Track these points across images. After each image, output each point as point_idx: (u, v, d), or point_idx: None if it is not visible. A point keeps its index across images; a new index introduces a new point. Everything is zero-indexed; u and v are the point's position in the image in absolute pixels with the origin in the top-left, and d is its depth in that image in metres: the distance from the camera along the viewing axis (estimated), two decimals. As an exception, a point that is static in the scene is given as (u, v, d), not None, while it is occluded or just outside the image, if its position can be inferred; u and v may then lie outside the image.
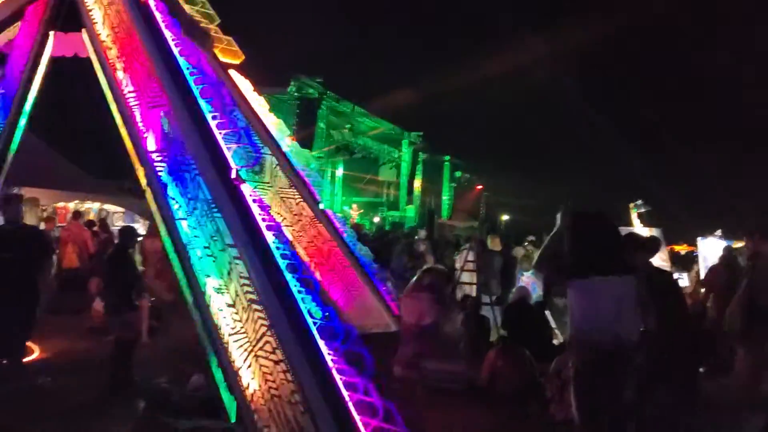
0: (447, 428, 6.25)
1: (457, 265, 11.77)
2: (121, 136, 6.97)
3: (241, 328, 5.30)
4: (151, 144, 6.58)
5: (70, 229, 12.67)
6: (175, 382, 6.57)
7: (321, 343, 4.96)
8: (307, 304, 5.22)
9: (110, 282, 7.46)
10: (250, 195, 5.84)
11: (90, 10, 7.55)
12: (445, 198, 45.79)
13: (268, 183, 9.16)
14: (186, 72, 6.62)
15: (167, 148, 6.37)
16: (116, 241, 8.80)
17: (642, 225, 11.78)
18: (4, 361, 5.99)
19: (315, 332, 5.02)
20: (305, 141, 25.35)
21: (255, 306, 5.19)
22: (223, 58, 8.99)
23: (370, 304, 9.63)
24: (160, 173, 6.40)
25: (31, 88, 8.22)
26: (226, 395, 5.48)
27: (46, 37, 8.10)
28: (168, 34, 6.96)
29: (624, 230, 8.96)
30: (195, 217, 5.92)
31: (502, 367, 7.78)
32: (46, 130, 17.39)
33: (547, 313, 9.68)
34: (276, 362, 4.97)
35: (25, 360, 7.73)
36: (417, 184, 41.13)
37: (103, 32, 7.38)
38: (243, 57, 9.17)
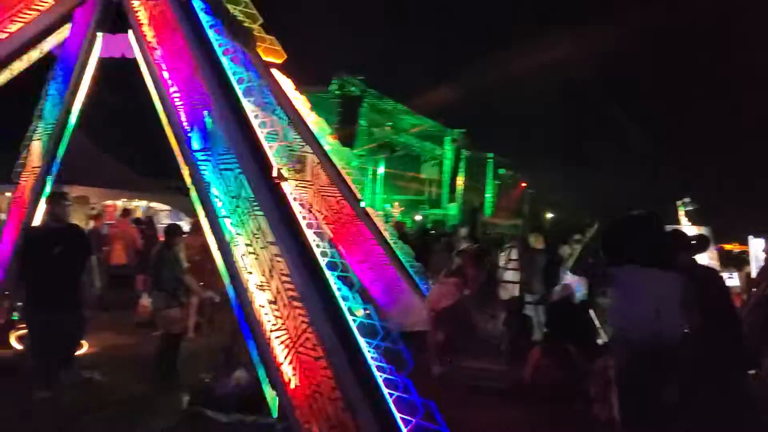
0: (488, 427, 6.22)
1: (501, 264, 11.69)
2: (166, 136, 7.11)
3: (283, 324, 5.35)
4: (195, 143, 6.69)
5: (118, 226, 12.94)
6: (218, 378, 6.66)
7: (361, 341, 4.99)
8: (347, 302, 5.25)
9: (156, 279, 7.59)
10: (291, 193, 5.88)
11: (136, 12, 7.70)
12: (488, 196, 45.41)
13: (309, 181, 9.21)
14: (229, 72, 6.71)
15: (211, 147, 6.47)
16: (162, 238, 8.94)
17: (690, 223, 11.51)
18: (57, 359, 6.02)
19: (355, 329, 5.04)
20: (347, 139, 25.44)
21: (296, 303, 5.25)
22: (266, 58, 9.07)
23: (411, 303, 9.61)
24: (204, 172, 6.50)
25: (80, 88, 8.41)
26: (268, 391, 5.56)
27: (94, 38, 8.28)
28: (211, 34, 7.05)
29: (675, 229, 8.80)
30: (237, 215, 6.01)
31: (546, 365, 7.71)
32: (96, 130, 17.79)
33: (592, 312, 9.55)
34: (316, 359, 5.01)
35: (75, 355, 7.96)
36: (459, 181, 40.85)
37: (149, 33, 7.51)
38: (285, 56, 9.24)
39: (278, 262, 5.47)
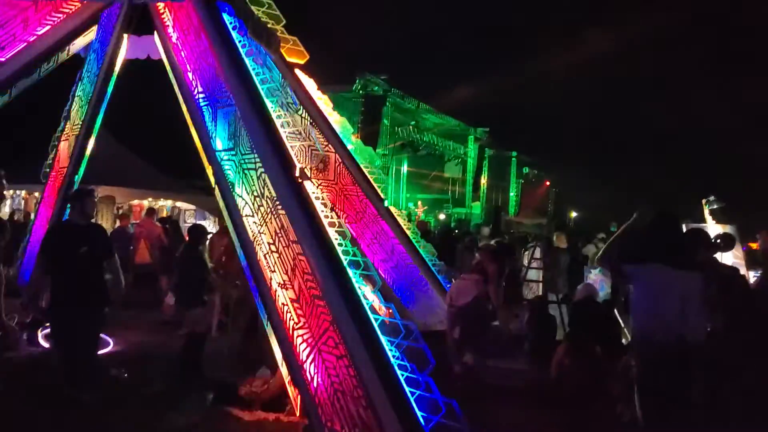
0: (509, 426, 6.20)
1: (524, 263, 11.66)
2: (191, 136, 7.19)
3: (305, 323, 5.39)
4: (219, 143, 6.76)
5: (143, 225, 13.06)
6: (242, 376, 6.73)
7: (383, 339, 5.00)
8: (368, 300, 5.27)
9: (181, 278, 7.67)
10: (314, 192, 5.92)
11: (161, 14, 7.79)
12: (512, 194, 45.23)
13: (332, 180, 9.26)
14: (252, 72, 6.76)
15: (234, 147, 6.53)
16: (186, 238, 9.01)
17: (715, 222, 11.34)
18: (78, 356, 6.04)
19: (377, 328, 5.05)
20: (370, 138, 25.46)
21: (318, 302, 5.28)
22: (289, 58, 9.12)
23: (434, 302, 9.62)
24: (227, 171, 6.57)
25: (107, 89, 8.52)
26: (291, 389, 5.59)
27: (120, 40, 8.38)
28: (235, 36, 7.11)
29: (696, 227, 8.69)
30: (261, 214, 6.06)
31: (570, 365, 7.67)
32: (122, 130, 18.03)
33: (615, 311, 9.48)
34: (339, 357, 5.04)
35: (100, 352, 8.07)
36: (483, 180, 40.73)
37: (174, 35, 7.60)
38: (308, 57, 9.27)
39: (301, 260, 5.51)
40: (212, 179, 6.80)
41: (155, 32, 7.89)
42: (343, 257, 5.51)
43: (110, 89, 8.58)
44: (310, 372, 5.29)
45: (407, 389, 4.76)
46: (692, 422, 4.45)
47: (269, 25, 8.37)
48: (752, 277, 8.84)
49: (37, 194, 10.60)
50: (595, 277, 11.46)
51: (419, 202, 35.44)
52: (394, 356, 4.93)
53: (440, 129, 36.59)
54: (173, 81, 7.53)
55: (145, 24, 8.11)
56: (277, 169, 5.97)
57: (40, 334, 8.07)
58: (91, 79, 8.54)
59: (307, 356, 5.32)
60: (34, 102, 10.59)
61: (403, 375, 4.83)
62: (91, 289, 5.91)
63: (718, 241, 7.52)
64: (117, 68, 8.53)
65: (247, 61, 6.87)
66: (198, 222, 18.46)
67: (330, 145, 9.27)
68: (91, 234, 6.11)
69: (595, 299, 8.59)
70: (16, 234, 9.47)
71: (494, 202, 40.27)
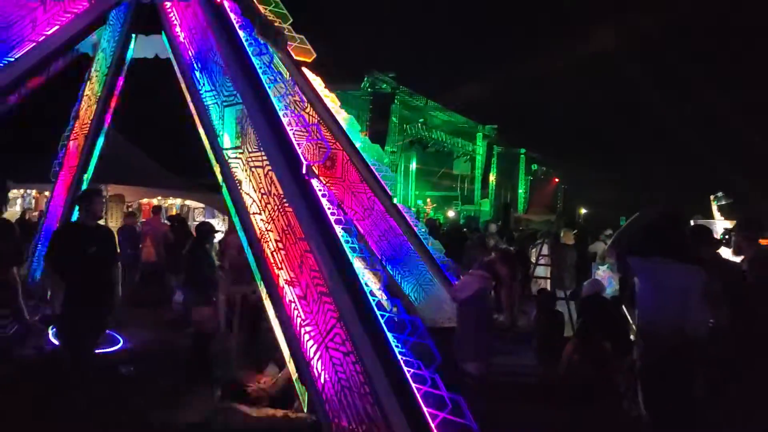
0: (517, 423, 6.21)
1: (532, 259, 11.65)
2: (199, 134, 7.23)
3: (312, 319, 5.41)
4: (226, 141, 6.79)
5: (150, 223, 13.11)
6: (250, 373, 6.77)
7: (389, 336, 5.01)
8: (375, 297, 5.29)
9: (188, 277, 7.72)
10: (320, 190, 5.93)
11: (168, 13, 7.83)
12: (521, 191, 45.20)
13: (339, 178, 9.28)
14: (259, 71, 6.78)
15: (241, 146, 6.56)
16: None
17: (723, 218, 11.33)
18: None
19: (383, 324, 5.07)
20: (379, 136, 25.48)
21: (325, 298, 5.30)
22: (296, 57, 9.15)
23: (442, 298, 9.63)
24: (234, 169, 6.60)
25: (115, 88, 8.58)
26: (298, 385, 5.62)
27: (128, 39, 8.43)
28: (242, 35, 7.14)
29: (705, 223, 8.66)
30: (268, 212, 6.09)
31: (579, 360, 7.66)
32: (132, 129, 18.09)
33: (624, 308, 9.46)
34: (346, 353, 5.06)
35: (110, 350, 8.14)
36: (492, 177, 40.71)
37: (181, 34, 7.63)
38: (315, 55, 9.30)
39: (308, 257, 5.53)
40: (220, 177, 6.84)
41: (163, 31, 7.93)
42: (350, 254, 5.53)
43: (118, 88, 8.64)
44: (317, 368, 5.31)
45: (414, 385, 4.77)
46: (694, 417, 4.45)
47: (276, 24, 8.40)
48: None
49: (47, 193, 10.66)
50: (603, 273, 11.44)
51: (428, 200, 35.48)
52: (400, 353, 4.95)
53: (449, 126, 36.58)
54: (181, 80, 7.56)
55: (153, 23, 8.15)
56: (284, 166, 5.98)
57: (50, 332, 8.14)
58: (100, 78, 8.60)
59: (314, 353, 5.34)
60: (43, 101, 10.64)
61: (409, 371, 4.85)
62: (100, 290, 5.89)
63: (726, 237, 7.50)
64: (125, 67, 8.59)
65: (253, 59, 6.89)
66: (206, 220, 18.54)
67: (338, 143, 9.29)
68: (99, 235, 6.07)
69: (603, 295, 8.59)
70: (29, 233, 9.56)
71: (503, 199, 40.23)
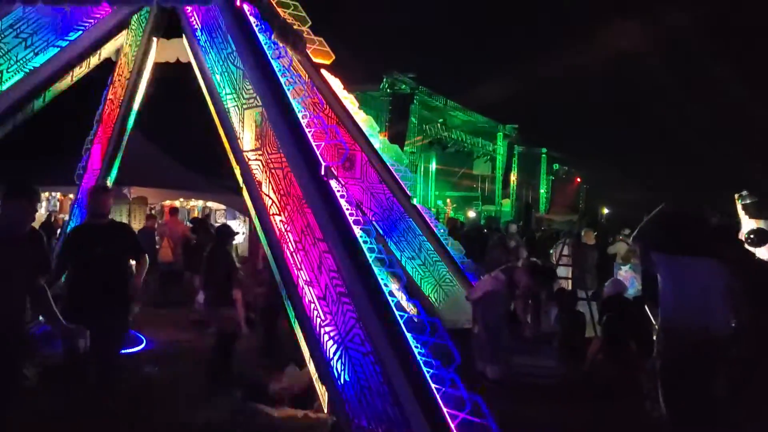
0: (538, 424, 6.19)
1: (553, 260, 11.61)
2: (220, 137, 7.30)
3: (332, 320, 5.44)
4: (246, 143, 6.85)
5: (167, 224, 13.25)
6: (271, 373, 6.82)
7: (408, 336, 5.03)
8: (394, 297, 5.31)
9: (208, 278, 7.79)
10: (338, 190, 5.97)
11: (189, 17, 7.91)
12: (543, 191, 44.95)
13: (358, 178, 9.31)
14: (278, 73, 6.84)
15: (261, 147, 6.62)
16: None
17: (748, 217, 11.16)
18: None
19: (402, 325, 5.09)
20: (398, 136, 25.48)
21: (344, 299, 5.33)
22: (315, 59, 9.20)
23: (462, 299, 9.62)
24: (254, 171, 6.66)
25: (138, 92, 8.69)
26: (318, 386, 5.65)
27: (150, 43, 8.54)
28: (261, 38, 7.20)
29: (726, 223, 8.54)
30: (287, 213, 6.13)
31: (602, 360, 7.65)
32: (154, 132, 18.28)
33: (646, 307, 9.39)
34: (365, 354, 5.08)
35: (133, 350, 8.24)
36: (513, 177, 40.52)
37: (201, 37, 7.71)
38: (333, 57, 9.35)
39: (326, 258, 5.56)
40: (240, 179, 6.90)
41: (184, 35, 8.02)
42: (368, 255, 5.56)
43: (141, 92, 8.75)
44: (337, 369, 5.34)
45: (433, 386, 4.79)
46: (713, 417, 4.41)
47: (295, 27, 8.46)
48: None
49: (71, 195, 10.81)
50: (625, 273, 11.39)
51: (448, 200, 35.41)
52: (419, 353, 4.96)
53: (468, 126, 36.44)
54: (201, 83, 7.64)
55: (174, 27, 8.24)
56: (303, 168, 6.02)
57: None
58: (122, 82, 8.71)
59: (334, 353, 5.37)
60: (67, 105, 10.79)
61: (428, 372, 4.86)
62: (109, 291, 5.38)
63: (752, 236, 7.41)
64: (147, 71, 8.69)
65: (273, 62, 6.95)
66: (227, 221, 18.67)
67: (356, 144, 9.33)
68: (107, 234, 5.61)
69: (625, 295, 8.55)
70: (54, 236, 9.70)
71: (524, 199, 40.04)
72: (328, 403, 5.53)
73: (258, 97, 6.72)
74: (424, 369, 4.88)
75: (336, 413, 5.35)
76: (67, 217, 10.44)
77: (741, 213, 11.99)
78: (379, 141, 10.20)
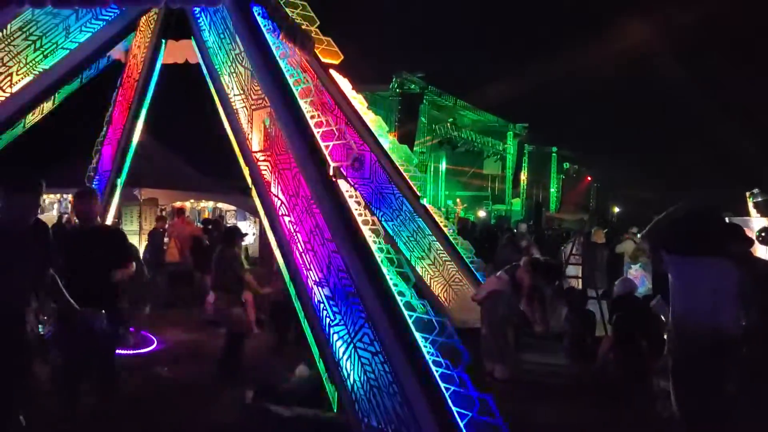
0: (548, 423, 6.17)
1: (563, 259, 11.58)
2: (228, 138, 7.32)
3: (341, 320, 5.45)
4: (255, 144, 6.87)
5: (174, 225, 13.30)
6: (281, 373, 6.83)
7: (418, 336, 5.03)
8: (403, 297, 5.31)
9: (218, 279, 7.83)
10: (347, 191, 5.97)
11: (197, 18, 7.93)
12: (553, 190, 44.83)
13: (367, 179, 9.31)
14: (286, 74, 6.84)
15: (270, 148, 6.63)
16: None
17: (759, 215, 11.10)
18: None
19: (411, 325, 5.08)
20: (408, 136, 25.47)
21: (353, 299, 5.33)
22: (324, 59, 9.19)
23: (470, 299, 9.60)
24: (263, 172, 6.67)
25: (147, 93, 8.72)
26: (328, 385, 5.66)
27: (158, 45, 8.57)
28: (269, 38, 7.21)
29: (740, 221, 8.50)
30: (296, 213, 6.14)
31: (613, 359, 7.62)
32: (164, 133, 18.35)
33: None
34: (374, 353, 5.08)
35: (144, 351, 8.30)
36: (523, 176, 40.44)
37: (210, 39, 7.73)
38: (342, 57, 9.34)
39: (335, 258, 5.57)
40: (249, 180, 6.91)
41: (192, 36, 8.04)
42: (377, 255, 5.55)
43: (150, 93, 8.78)
44: (346, 369, 5.35)
45: (442, 385, 4.78)
46: (724, 417, 4.39)
47: (303, 27, 8.46)
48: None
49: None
50: (635, 272, 11.34)
51: (458, 200, 35.37)
52: (429, 352, 4.96)
53: (478, 125, 36.42)
54: (210, 84, 7.66)
55: (183, 29, 8.26)
56: (312, 168, 6.03)
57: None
58: (131, 84, 8.75)
59: (343, 353, 5.38)
60: (77, 107, 10.86)
61: (437, 371, 4.86)
62: (94, 297, 4.80)
63: (763, 234, 7.38)
64: (156, 72, 8.73)
65: (281, 62, 6.96)
66: (237, 222, 18.71)
67: (365, 144, 9.32)
68: (93, 238, 5.25)
69: (635, 294, 8.52)
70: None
71: (534, 198, 39.96)
72: (338, 402, 5.54)
73: (266, 98, 6.73)
74: (434, 368, 4.87)
75: (346, 413, 5.36)
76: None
77: (752, 211, 11.95)
78: (388, 141, 10.19)
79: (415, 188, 10.01)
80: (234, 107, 7.22)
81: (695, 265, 4.45)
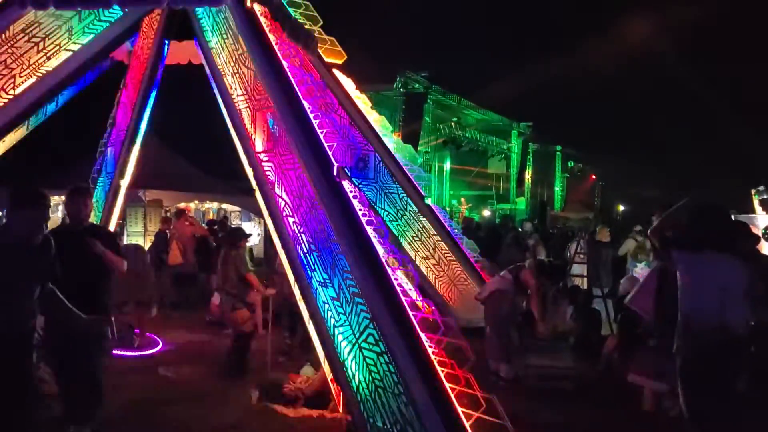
0: (553, 423, 6.14)
1: (568, 257, 11.55)
2: (232, 138, 7.31)
3: (346, 320, 5.43)
4: (258, 145, 6.85)
5: (176, 227, 13.32)
6: (286, 373, 6.83)
7: (423, 336, 5.01)
8: (408, 297, 5.29)
9: (222, 280, 7.82)
10: (351, 191, 5.95)
11: (200, 19, 7.93)
12: (558, 189, 44.71)
13: (372, 179, 9.30)
14: (289, 74, 6.83)
15: (273, 149, 6.62)
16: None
17: (765, 212, 11.05)
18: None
19: (416, 325, 5.07)
20: (412, 136, 25.48)
21: (357, 299, 5.31)
22: (327, 59, 9.19)
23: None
24: (267, 172, 6.66)
25: (150, 94, 8.72)
26: (333, 386, 5.65)
27: (161, 46, 8.57)
28: (272, 38, 7.20)
29: (745, 218, 8.46)
30: (300, 214, 6.13)
31: (618, 359, 7.59)
32: (167, 134, 18.35)
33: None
34: (379, 354, 5.06)
35: (149, 352, 8.29)
36: (527, 175, 40.38)
37: (213, 39, 7.73)
38: (345, 57, 9.33)
39: (340, 259, 5.55)
40: (253, 180, 6.90)
41: (195, 37, 8.03)
42: (382, 255, 5.53)
43: (153, 94, 8.78)
44: (351, 369, 5.33)
45: (448, 385, 4.77)
46: (733, 417, 4.35)
47: (306, 26, 8.45)
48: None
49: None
50: (641, 271, 11.27)
51: (463, 199, 35.33)
52: (434, 352, 4.94)
53: (482, 125, 36.38)
54: (213, 85, 7.66)
55: (186, 29, 8.26)
56: (316, 169, 6.02)
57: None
58: (135, 85, 8.74)
59: (348, 353, 5.36)
60: (80, 109, 10.87)
61: (443, 371, 4.84)
62: (83, 299, 4.59)
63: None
64: (159, 73, 8.72)
65: (284, 63, 6.94)
66: (242, 223, 18.70)
67: (369, 144, 9.31)
68: (78, 238, 4.88)
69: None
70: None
71: (539, 197, 39.88)
72: (343, 403, 5.53)
73: (270, 98, 6.72)
74: (439, 368, 4.85)
75: (351, 413, 5.35)
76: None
77: (758, 208, 11.90)
78: (392, 141, 10.19)
79: (419, 188, 9.99)
80: (237, 107, 7.21)
81: (703, 263, 4.42)
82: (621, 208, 45.91)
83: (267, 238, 13.85)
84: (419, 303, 5.45)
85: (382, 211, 9.28)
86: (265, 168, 6.70)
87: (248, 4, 7.32)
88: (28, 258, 3.99)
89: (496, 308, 7.59)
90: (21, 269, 3.95)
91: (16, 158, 9.03)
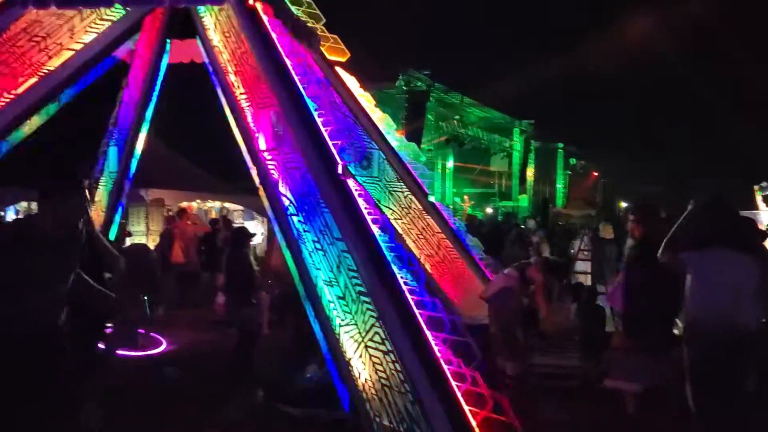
0: (559, 421, 6.12)
1: (571, 254, 11.53)
2: (235, 137, 7.28)
3: (351, 319, 5.41)
4: (262, 143, 6.83)
5: (178, 226, 13.32)
6: (292, 373, 6.81)
7: (428, 334, 4.99)
8: (414, 295, 5.27)
9: (228, 279, 7.81)
10: (356, 189, 5.93)
11: (202, 18, 7.91)
12: (560, 186, 44.59)
13: (376, 177, 9.26)
14: (292, 72, 6.81)
15: (277, 147, 6.59)
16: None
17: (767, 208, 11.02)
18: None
19: (422, 323, 5.04)
20: (415, 134, 25.41)
21: (363, 298, 5.29)
22: (330, 57, 9.17)
23: (481, 296, 9.55)
24: (271, 171, 6.63)
25: (153, 94, 8.70)
26: (339, 385, 5.63)
27: (164, 45, 8.54)
28: (275, 36, 7.17)
29: (748, 215, 8.43)
30: (305, 213, 6.10)
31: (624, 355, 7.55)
32: (170, 134, 18.33)
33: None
34: (385, 352, 5.04)
35: (154, 352, 8.28)
36: (529, 173, 40.30)
37: (215, 38, 7.72)
38: (348, 54, 9.31)
39: (345, 257, 5.53)
40: (257, 179, 6.88)
41: (197, 36, 8.01)
42: (387, 253, 5.51)
43: (156, 93, 8.76)
44: (357, 368, 5.31)
45: (454, 383, 4.74)
46: (742, 415, 4.32)
47: (309, 24, 8.43)
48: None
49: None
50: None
51: (465, 197, 35.32)
52: (440, 351, 4.92)
53: (485, 122, 36.36)
54: (216, 83, 7.63)
55: (188, 28, 8.23)
56: (320, 167, 6.00)
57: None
58: (137, 84, 8.72)
59: (354, 352, 5.34)
60: (82, 108, 10.84)
61: (449, 369, 4.82)
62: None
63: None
64: (161, 72, 8.70)
65: (287, 61, 6.92)
66: (245, 222, 18.69)
67: (373, 142, 9.28)
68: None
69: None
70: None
71: (541, 195, 39.80)
72: (349, 402, 5.50)
73: (273, 96, 6.69)
74: (445, 366, 4.83)
75: (357, 412, 5.33)
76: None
77: (761, 204, 11.86)
78: (396, 139, 10.15)
79: (423, 186, 9.96)
80: (240, 106, 7.19)
81: (714, 260, 4.38)
82: (623, 204, 45.83)
83: (270, 237, 13.83)
84: (425, 301, 5.43)
85: (387, 209, 9.24)
86: (269, 166, 6.68)
87: (250, 2, 7.30)
88: (62, 249, 3.78)
89: (503, 306, 7.56)
90: (54, 262, 3.72)
91: (16, 158, 9.00)
